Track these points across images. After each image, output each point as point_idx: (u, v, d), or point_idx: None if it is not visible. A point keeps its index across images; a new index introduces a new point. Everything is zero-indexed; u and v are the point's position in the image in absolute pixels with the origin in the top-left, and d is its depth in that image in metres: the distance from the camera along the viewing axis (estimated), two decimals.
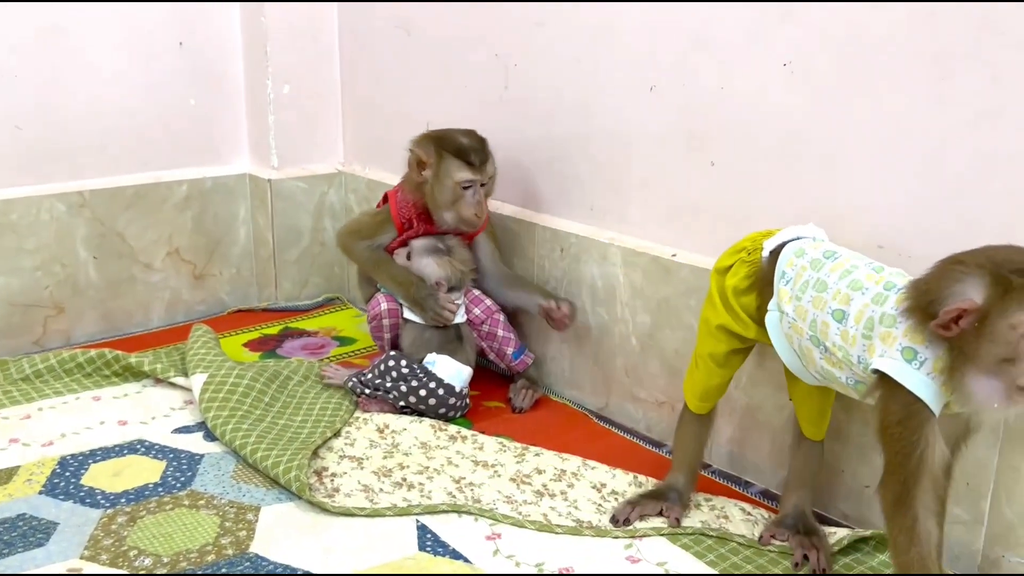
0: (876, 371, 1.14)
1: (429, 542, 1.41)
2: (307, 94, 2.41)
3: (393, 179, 2.20)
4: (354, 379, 1.86)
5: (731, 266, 1.39)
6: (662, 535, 1.43)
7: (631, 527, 1.44)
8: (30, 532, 1.41)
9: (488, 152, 1.92)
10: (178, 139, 2.34)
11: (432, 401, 1.81)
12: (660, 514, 1.47)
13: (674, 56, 1.68)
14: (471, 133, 1.93)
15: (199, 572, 1.32)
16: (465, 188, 1.89)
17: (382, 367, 1.84)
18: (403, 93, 2.34)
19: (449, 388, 1.82)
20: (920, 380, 1.11)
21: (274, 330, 2.32)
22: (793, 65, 1.51)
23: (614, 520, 1.45)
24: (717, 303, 1.40)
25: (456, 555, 1.38)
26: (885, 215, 1.43)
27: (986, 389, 1.07)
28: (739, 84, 1.59)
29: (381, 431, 1.76)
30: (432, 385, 1.81)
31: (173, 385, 1.95)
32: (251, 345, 2.22)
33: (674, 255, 1.74)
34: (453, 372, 1.84)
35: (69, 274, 2.20)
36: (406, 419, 1.80)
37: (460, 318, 1.92)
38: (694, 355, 1.46)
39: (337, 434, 1.74)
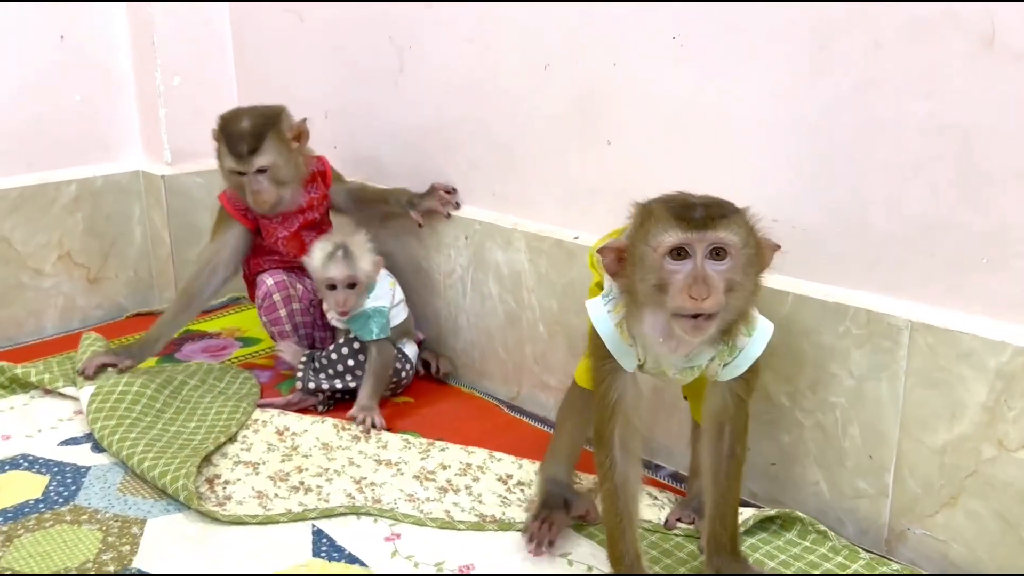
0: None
1: (324, 547, 1.35)
2: (199, 85, 2.31)
3: None
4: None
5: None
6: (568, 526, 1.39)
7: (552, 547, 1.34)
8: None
9: (262, 139, 1.79)
10: (64, 137, 2.23)
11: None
12: (578, 518, 1.39)
13: (566, 31, 1.64)
14: (255, 115, 1.82)
15: None
16: (239, 175, 1.82)
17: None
18: (298, 80, 2.25)
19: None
20: (601, 315, 1.15)
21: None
22: (682, 39, 1.47)
23: (537, 544, 1.32)
24: (594, 286, 1.35)
25: (352, 559, 1.33)
26: (777, 187, 1.40)
27: (651, 325, 1.08)
28: (631, 59, 1.55)
29: (280, 433, 1.69)
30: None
31: (63, 396, 1.85)
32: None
33: (576, 238, 1.70)
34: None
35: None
36: (308, 420, 1.74)
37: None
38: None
39: (233, 439, 1.67)
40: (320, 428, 1.71)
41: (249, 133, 1.79)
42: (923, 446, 1.28)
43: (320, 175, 1.95)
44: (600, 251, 1.10)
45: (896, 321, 1.28)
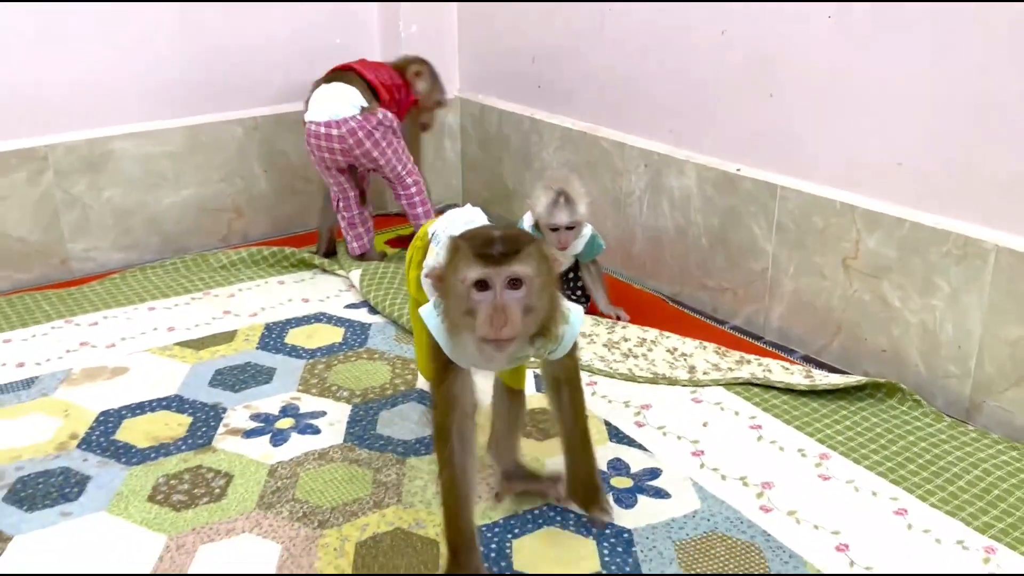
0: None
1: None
2: (430, 32, 2.85)
3: (502, 104, 2.65)
4: None
5: (411, 257, 1.53)
6: (719, 384, 1.89)
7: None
8: (258, 374, 1.95)
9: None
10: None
11: None
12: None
13: (741, 6, 2.07)
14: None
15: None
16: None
17: None
18: (510, 30, 2.76)
19: None
20: (436, 324, 1.26)
21: (407, 231, 2.81)
22: (835, 18, 1.89)
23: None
24: (411, 290, 1.55)
25: None
26: (903, 138, 1.82)
27: (469, 342, 1.20)
28: (792, 31, 1.98)
29: None
30: None
31: (335, 274, 2.48)
32: (391, 243, 2.73)
33: (738, 169, 2.16)
34: None
35: (246, 185, 2.72)
36: None
37: None
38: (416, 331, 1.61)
39: None
40: None
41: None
42: (999, 340, 1.71)
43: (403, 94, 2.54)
44: (427, 275, 1.27)
45: (985, 245, 1.69)
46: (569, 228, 2.08)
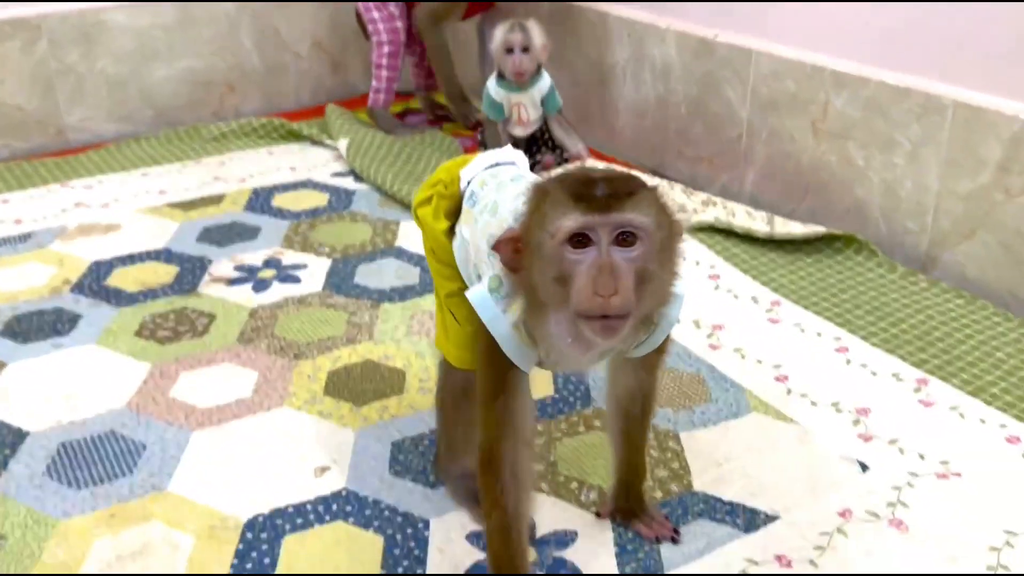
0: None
1: None
2: None
3: None
4: None
5: (429, 199, 1.15)
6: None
7: None
8: (243, 232, 2.03)
9: None
10: None
11: None
12: None
13: None
14: None
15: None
16: None
17: None
18: None
19: None
20: (495, 315, 0.95)
21: (397, 108, 2.86)
22: None
23: None
24: (427, 243, 1.17)
25: None
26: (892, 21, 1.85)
27: (556, 324, 0.90)
28: None
29: None
30: None
31: (324, 146, 2.54)
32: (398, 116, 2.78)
33: (716, 35, 2.18)
34: None
35: (237, 60, 2.77)
36: None
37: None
38: (437, 302, 1.18)
39: None
40: None
41: None
42: (954, 194, 1.76)
43: None
44: (495, 247, 0.92)
45: (944, 101, 1.73)
46: (524, 51, 2.20)
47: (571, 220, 0.84)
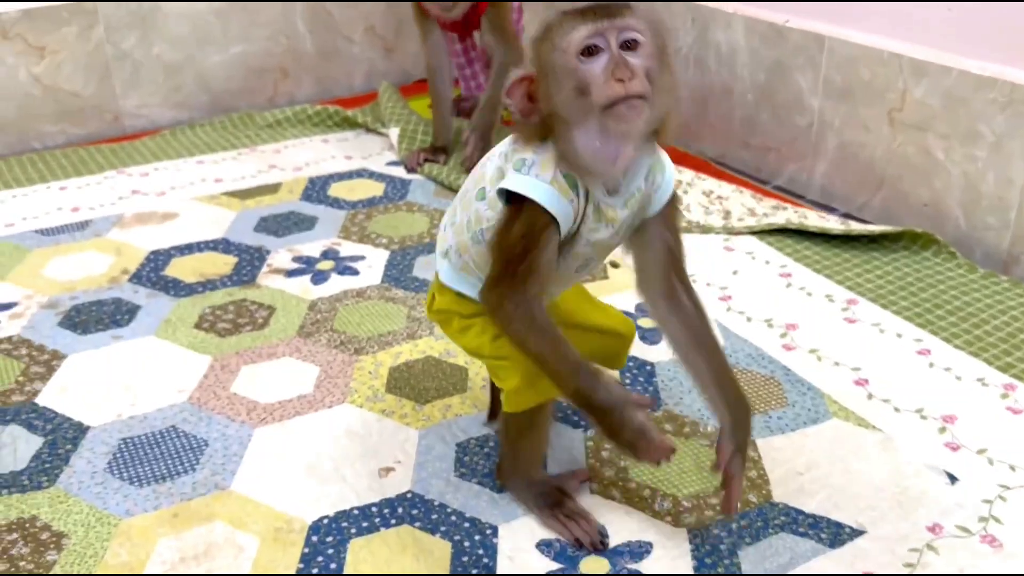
0: (500, 194, 1.02)
1: None
2: None
3: None
4: None
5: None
6: (753, 232, 1.89)
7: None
8: (300, 222, 2.00)
9: None
10: None
11: None
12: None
13: None
14: None
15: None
16: None
17: None
18: None
19: None
20: (526, 181, 0.99)
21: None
22: None
23: (592, 544, 1.12)
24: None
25: None
26: None
27: (584, 141, 0.97)
28: None
29: None
30: None
31: (379, 134, 2.50)
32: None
33: (786, 21, 2.10)
34: None
35: (291, 45, 2.74)
36: None
37: None
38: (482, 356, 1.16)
39: None
40: None
41: None
42: None
43: None
44: (507, 91, 0.99)
45: None
46: None
47: (582, 30, 0.94)
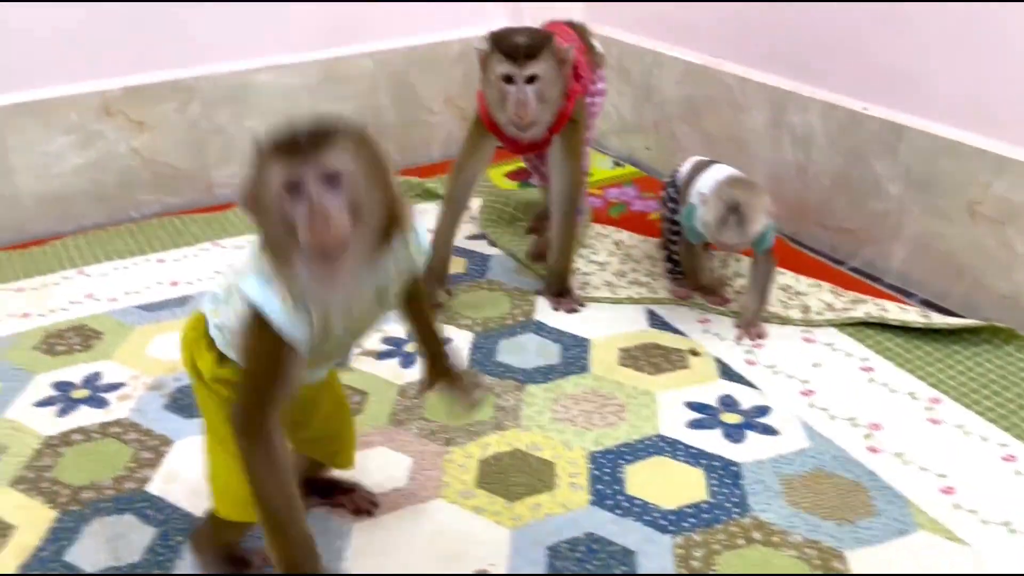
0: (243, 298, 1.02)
1: (657, 322, 1.97)
2: None
3: (622, 35, 2.64)
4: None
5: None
6: (833, 325, 1.91)
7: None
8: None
9: (539, 49, 1.77)
10: (446, 8, 2.88)
11: None
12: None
13: None
14: (531, 31, 1.82)
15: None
16: (508, 82, 1.79)
17: None
18: None
19: None
20: (262, 292, 1.00)
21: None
22: None
23: None
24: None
25: (675, 330, 1.93)
26: None
27: (300, 269, 0.97)
28: None
29: (617, 244, 2.31)
30: None
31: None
32: (510, 175, 2.80)
33: (865, 108, 2.13)
34: None
35: (375, 116, 2.83)
36: (637, 238, 2.34)
37: None
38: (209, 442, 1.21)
39: (583, 245, 2.31)
40: (645, 245, 2.30)
41: (527, 43, 1.78)
42: None
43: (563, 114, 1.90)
44: (240, 200, 0.99)
45: None
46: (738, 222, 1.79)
47: (278, 172, 0.93)
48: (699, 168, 1.98)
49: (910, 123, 2.02)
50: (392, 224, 1.00)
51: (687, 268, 2.04)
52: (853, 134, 2.15)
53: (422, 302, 1.26)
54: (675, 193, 2.03)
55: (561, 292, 2.04)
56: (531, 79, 1.78)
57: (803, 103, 2.26)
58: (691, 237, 1.94)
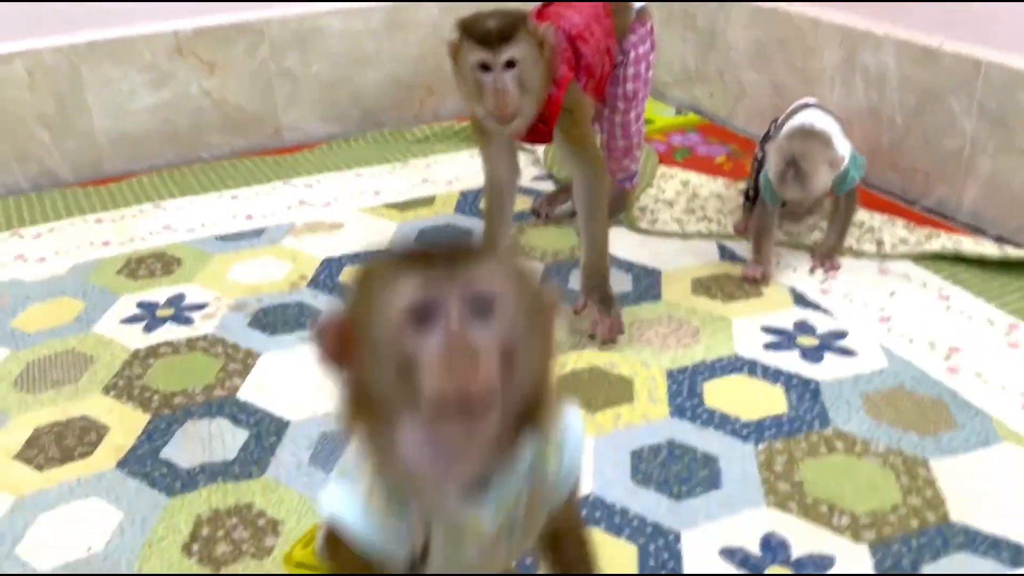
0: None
1: (727, 255, 1.97)
2: None
3: None
4: None
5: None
6: (907, 258, 1.90)
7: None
8: (458, 234, 2.10)
9: (514, 31, 1.51)
10: None
11: None
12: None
13: None
14: (503, 13, 1.54)
15: None
16: (485, 69, 1.53)
17: None
18: None
19: None
20: (343, 503, 0.75)
21: None
22: None
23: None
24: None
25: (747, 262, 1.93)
26: None
27: (410, 442, 0.69)
28: None
29: (684, 184, 2.31)
30: None
31: (523, 149, 2.58)
32: None
33: (940, 44, 2.10)
34: None
35: (438, 64, 2.85)
36: (704, 177, 2.34)
37: None
38: None
39: (650, 185, 2.31)
40: (712, 184, 2.30)
41: (499, 26, 1.51)
42: None
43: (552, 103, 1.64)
44: (316, 333, 0.71)
45: None
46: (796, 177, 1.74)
47: (408, 290, 0.65)
48: (790, 115, 1.96)
49: (987, 57, 1.99)
50: (535, 409, 0.70)
51: (754, 235, 1.90)
52: (928, 71, 2.12)
53: (583, 549, 0.90)
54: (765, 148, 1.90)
55: (603, 299, 1.69)
56: (509, 64, 1.52)
57: (877, 42, 2.24)
58: (767, 197, 1.85)
